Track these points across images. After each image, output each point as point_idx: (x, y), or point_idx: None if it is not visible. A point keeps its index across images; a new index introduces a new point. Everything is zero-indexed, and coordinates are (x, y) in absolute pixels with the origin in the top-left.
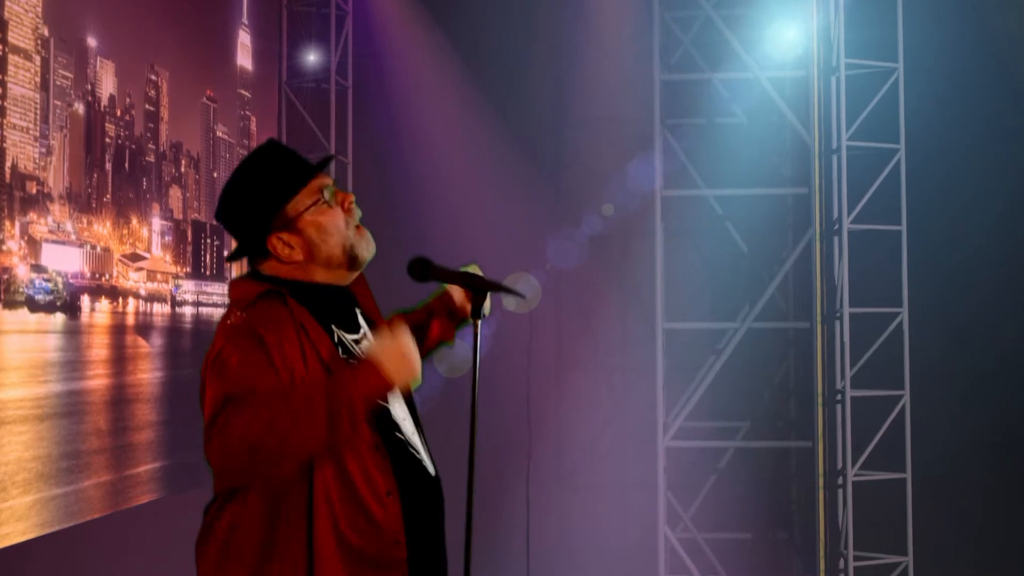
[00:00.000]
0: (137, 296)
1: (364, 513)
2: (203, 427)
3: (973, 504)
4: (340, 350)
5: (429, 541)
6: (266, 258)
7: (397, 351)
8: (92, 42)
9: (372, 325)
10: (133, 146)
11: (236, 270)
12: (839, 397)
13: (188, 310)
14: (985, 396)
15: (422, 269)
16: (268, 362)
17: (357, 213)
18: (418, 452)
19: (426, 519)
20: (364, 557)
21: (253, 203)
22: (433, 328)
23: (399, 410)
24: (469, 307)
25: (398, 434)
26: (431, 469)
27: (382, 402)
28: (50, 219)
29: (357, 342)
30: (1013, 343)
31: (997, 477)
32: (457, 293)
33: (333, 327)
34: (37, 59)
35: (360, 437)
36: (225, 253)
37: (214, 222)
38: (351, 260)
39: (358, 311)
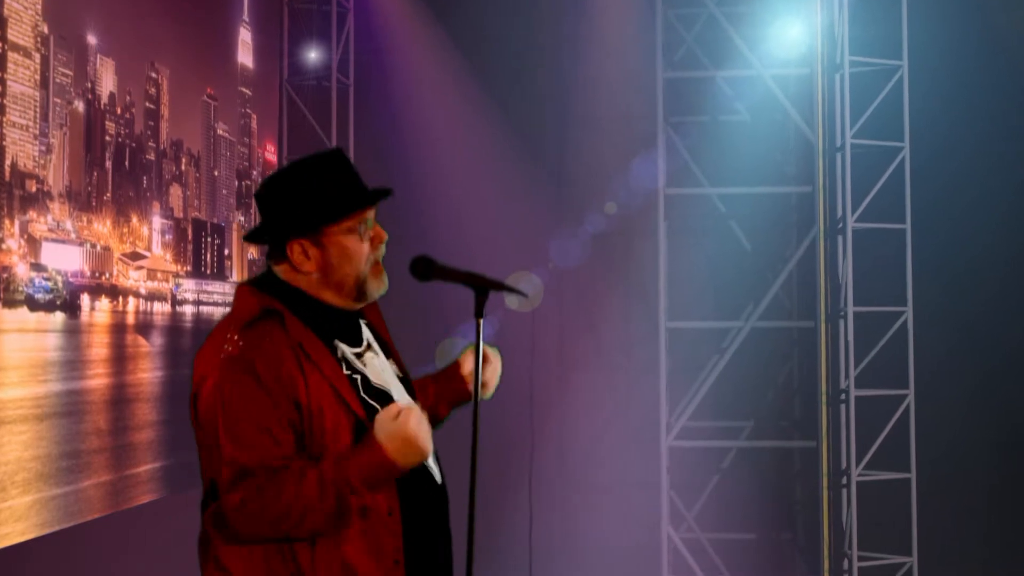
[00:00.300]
0: (137, 295)
1: (366, 533)
2: (210, 478)
3: (978, 504)
4: (344, 366)
5: (429, 556)
6: (280, 259)
7: (402, 435)
8: (92, 39)
9: (378, 338)
10: (133, 144)
11: (237, 266)
12: (843, 396)
13: (188, 309)
14: (990, 395)
15: (424, 268)
16: (271, 402)
17: (382, 252)
18: (427, 459)
19: (429, 534)
20: (363, 574)
21: (296, 206)
22: (440, 408)
23: None
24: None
25: None
26: (438, 477)
27: None
28: (50, 217)
29: (360, 355)
30: (1019, 341)
31: (1002, 476)
32: (467, 366)
33: (336, 342)
34: (37, 57)
35: None
36: (226, 251)
37: (215, 220)
38: (359, 293)
39: (363, 323)
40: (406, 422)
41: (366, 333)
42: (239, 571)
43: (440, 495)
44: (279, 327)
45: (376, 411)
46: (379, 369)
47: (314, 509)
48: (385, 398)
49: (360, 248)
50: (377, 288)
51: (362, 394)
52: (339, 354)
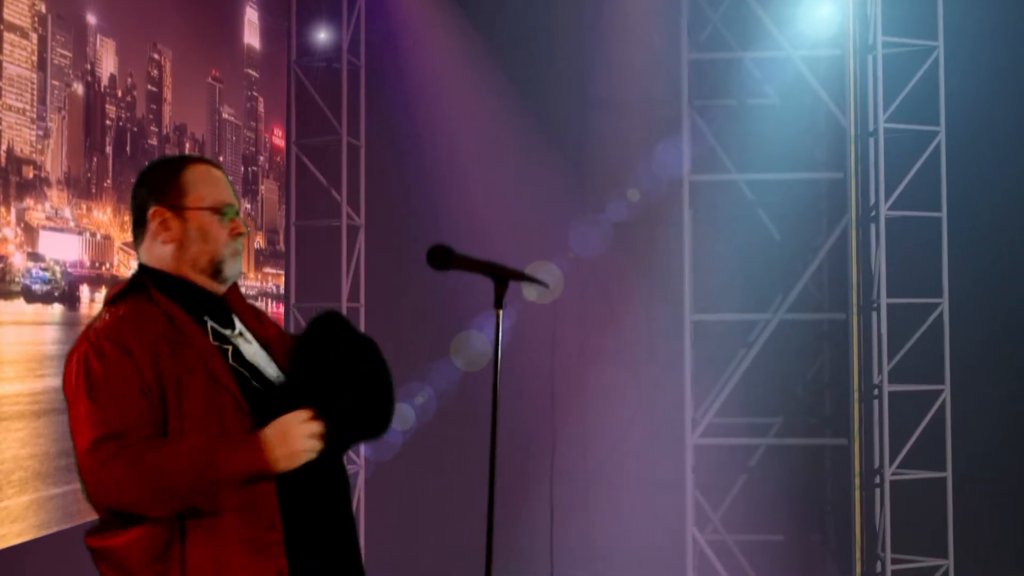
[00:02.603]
0: None
1: (238, 493)
2: (75, 452)
3: (1017, 503)
4: (212, 336)
5: (315, 524)
6: (143, 233)
7: (284, 436)
8: (92, 19)
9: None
10: (135, 128)
11: (243, 255)
12: (876, 392)
13: None
14: None
15: (443, 257)
16: (135, 372)
17: (239, 245)
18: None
19: (312, 501)
20: (239, 538)
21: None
22: None
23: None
24: None
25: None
26: None
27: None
28: (48, 205)
29: (228, 339)
30: None
31: None
32: None
33: (206, 318)
34: (34, 37)
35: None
36: None
37: None
38: (215, 271)
39: (232, 313)
40: (289, 420)
41: (237, 321)
42: (120, 543)
43: (326, 468)
44: (146, 299)
45: (247, 380)
46: (252, 352)
47: (182, 486)
48: (256, 371)
49: (220, 232)
50: (233, 269)
51: (231, 362)
52: (208, 327)
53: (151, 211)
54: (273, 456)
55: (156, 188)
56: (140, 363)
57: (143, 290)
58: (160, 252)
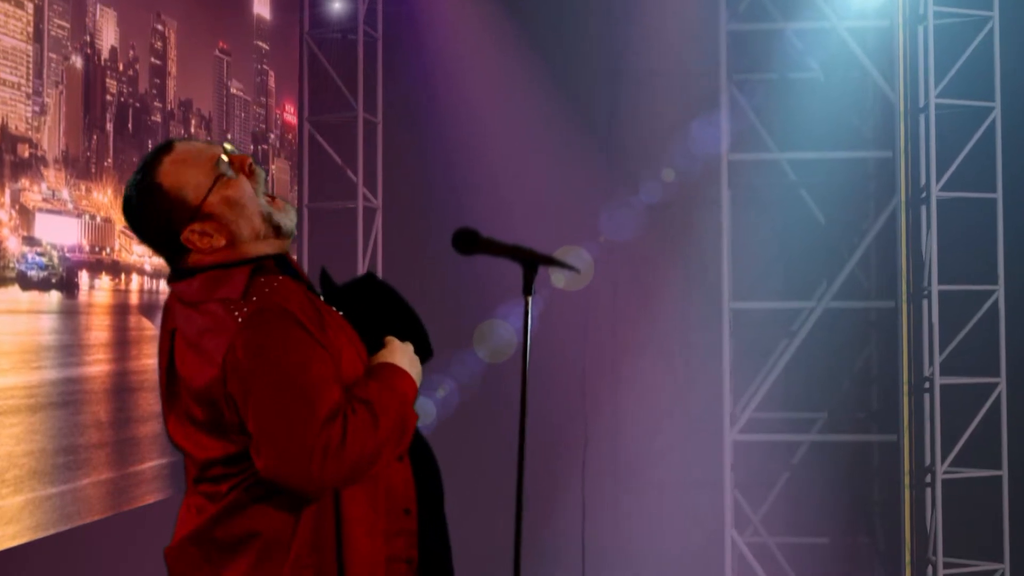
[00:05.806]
0: (141, 272)
1: (383, 485)
2: (269, 442)
3: None
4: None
5: (435, 512)
6: (186, 256)
7: (409, 359)
8: None
9: None
10: (137, 104)
11: None
12: (927, 385)
13: None
14: None
15: (468, 241)
16: (315, 342)
17: (260, 175)
18: None
19: (431, 489)
20: (380, 530)
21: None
22: None
23: None
24: None
25: None
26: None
27: None
28: (44, 186)
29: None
30: None
31: None
32: None
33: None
34: (30, 7)
35: None
36: None
37: None
38: (275, 228)
39: None
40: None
41: None
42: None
43: (433, 456)
44: (280, 275)
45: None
46: None
47: (394, 431)
48: None
49: (240, 186)
50: (286, 217)
51: None
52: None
53: (183, 238)
54: (414, 375)
55: (164, 220)
56: (316, 333)
57: (267, 271)
58: (220, 255)
